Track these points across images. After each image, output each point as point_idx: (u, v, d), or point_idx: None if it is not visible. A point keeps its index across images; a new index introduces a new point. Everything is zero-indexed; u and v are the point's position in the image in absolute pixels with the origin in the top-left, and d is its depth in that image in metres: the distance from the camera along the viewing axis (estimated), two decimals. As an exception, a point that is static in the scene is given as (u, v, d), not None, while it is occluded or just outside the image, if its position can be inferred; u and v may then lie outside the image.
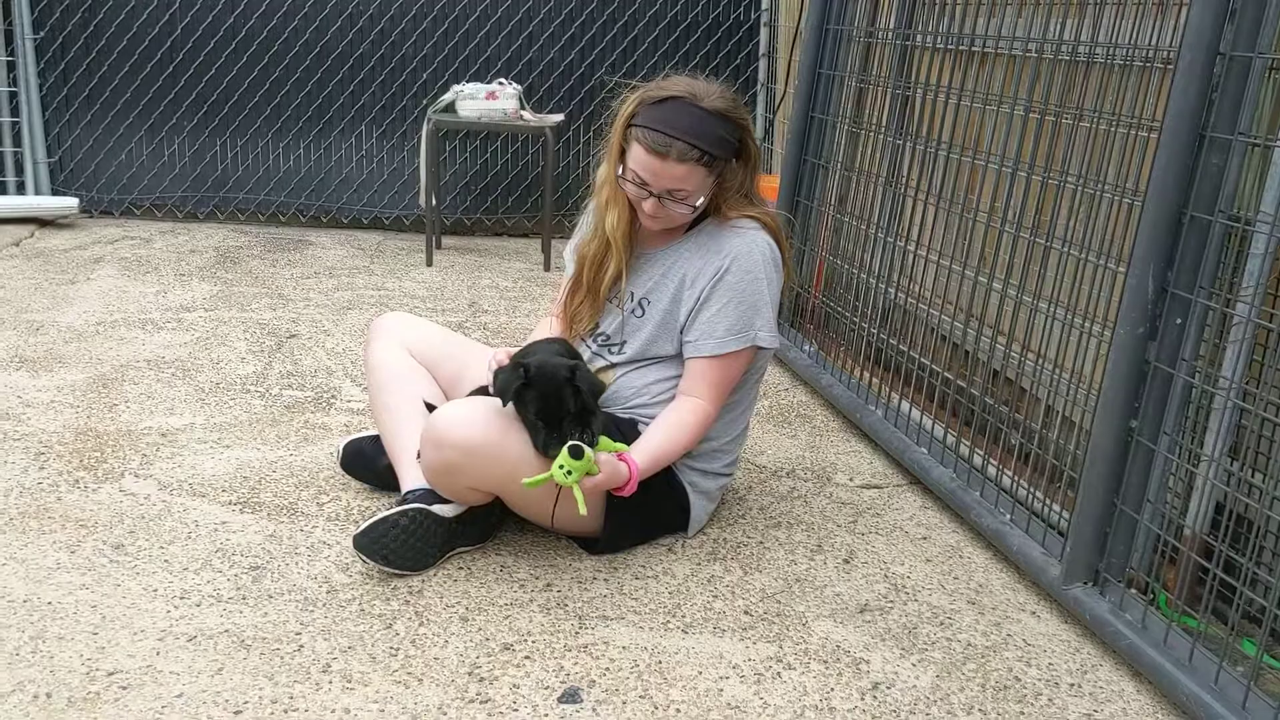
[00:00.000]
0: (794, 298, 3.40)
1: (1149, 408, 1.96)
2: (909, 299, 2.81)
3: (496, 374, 1.90)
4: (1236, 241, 1.84)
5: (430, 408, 2.18)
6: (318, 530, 2.18)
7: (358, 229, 4.81)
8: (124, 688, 1.71)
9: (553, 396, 1.86)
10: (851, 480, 2.60)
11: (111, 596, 1.94)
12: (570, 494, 1.93)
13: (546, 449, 1.86)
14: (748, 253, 2.03)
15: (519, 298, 3.95)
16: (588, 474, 1.87)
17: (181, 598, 1.96)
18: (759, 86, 5.04)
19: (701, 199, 2.01)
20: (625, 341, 2.15)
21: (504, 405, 1.85)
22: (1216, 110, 1.82)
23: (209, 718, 1.66)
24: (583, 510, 1.83)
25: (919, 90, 2.84)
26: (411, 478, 2.11)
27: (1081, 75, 2.25)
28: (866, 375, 2.97)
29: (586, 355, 2.15)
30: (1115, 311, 2.00)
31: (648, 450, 2.02)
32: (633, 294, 2.13)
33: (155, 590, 1.97)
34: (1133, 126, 2.13)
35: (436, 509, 2.05)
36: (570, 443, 1.82)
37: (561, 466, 1.83)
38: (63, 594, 1.94)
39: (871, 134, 2.98)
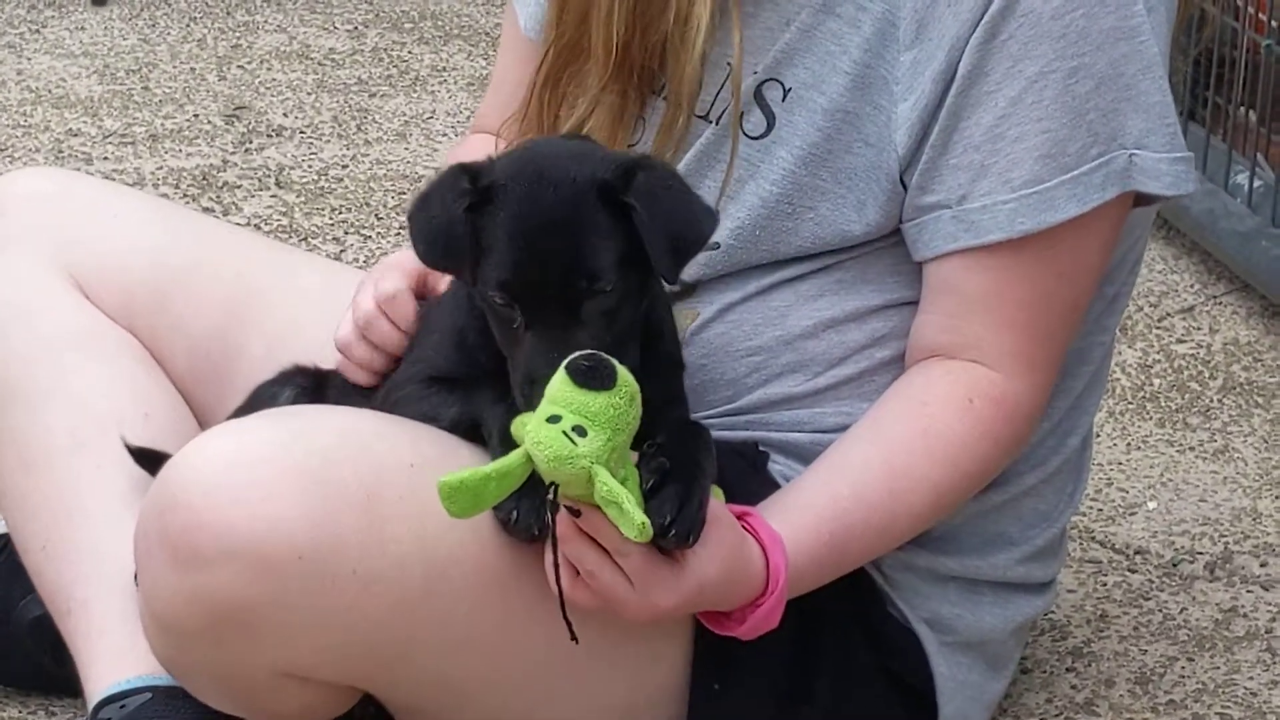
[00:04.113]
0: (1200, 55, 1.99)
1: None
2: None
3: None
4: None
5: (149, 455, 1.14)
6: None
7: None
8: None
9: (552, 234, 0.95)
10: None
11: None
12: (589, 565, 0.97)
13: (529, 378, 0.95)
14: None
15: (378, 82, 2.45)
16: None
17: None
18: None
19: None
20: (720, 209, 1.12)
21: (440, 274, 1.06)
22: None
23: None
24: (635, 526, 0.89)
25: None
26: (114, 653, 1.15)
27: None
28: None
29: None
30: None
31: (820, 509, 1.06)
32: (751, 71, 1.14)
33: None
34: None
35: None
36: (575, 357, 0.93)
37: (554, 419, 0.90)
38: None
39: None
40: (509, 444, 0.95)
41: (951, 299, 1.05)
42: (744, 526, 1.00)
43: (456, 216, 0.92)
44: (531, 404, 0.92)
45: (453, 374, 1.03)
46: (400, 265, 1.12)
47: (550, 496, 0.91)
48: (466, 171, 0.95)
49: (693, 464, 0.95)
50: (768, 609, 0.98)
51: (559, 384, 0.91)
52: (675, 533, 0.92)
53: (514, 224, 0.92)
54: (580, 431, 0.89)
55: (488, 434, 0.99)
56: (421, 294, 1.11)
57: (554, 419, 0.89)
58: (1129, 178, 1.02)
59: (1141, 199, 1.06)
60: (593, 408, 0.90)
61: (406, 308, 1.09)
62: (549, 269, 0.91)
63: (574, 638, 0.96)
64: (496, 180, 0.93)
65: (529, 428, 0.90)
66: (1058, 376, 1.14)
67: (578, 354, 0.91)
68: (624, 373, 0.90)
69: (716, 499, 0.99)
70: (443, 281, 1.10)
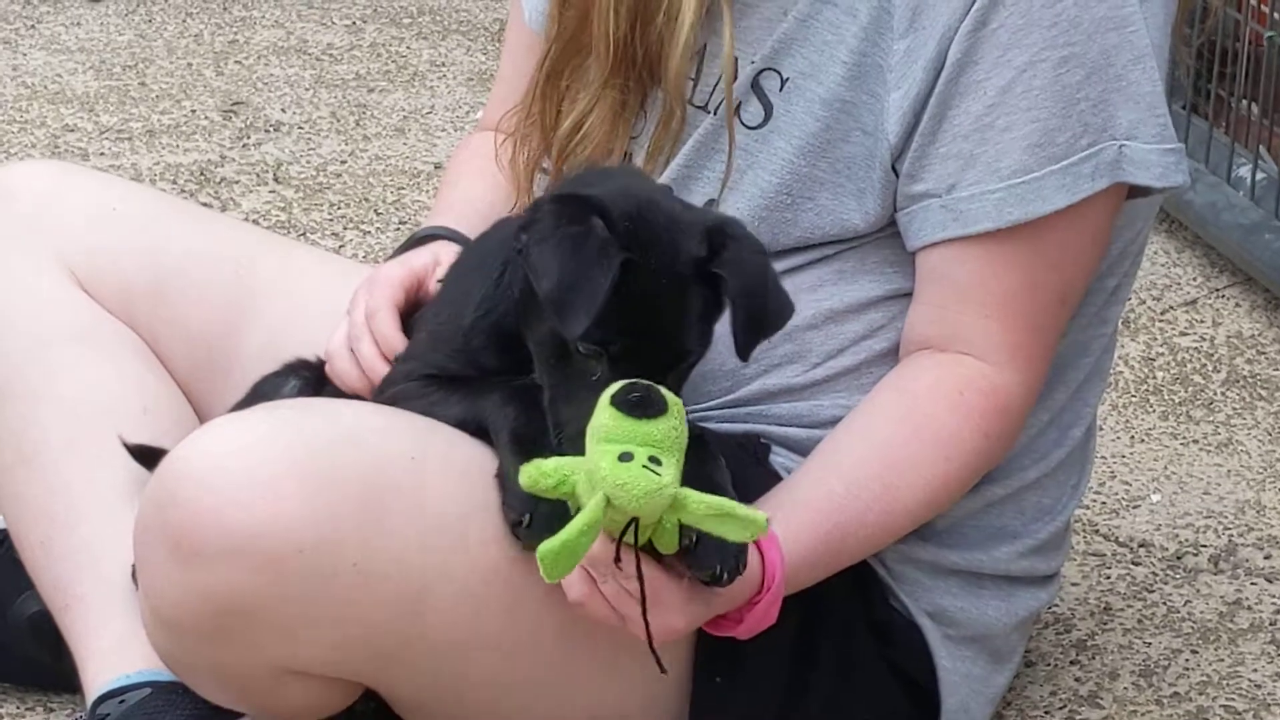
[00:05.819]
0: (1203, 47, 1.97)
1: None
2: None
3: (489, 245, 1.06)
4: None
5: (147, 452, 1.14)
6: None
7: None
8: None
9: (661, 310, 0.96)
10: None
11: None
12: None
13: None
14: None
15: (376, 77, 2.45)
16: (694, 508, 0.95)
17: None
18: None
19: None
20: (717, 202, 1.14)
21: (574, 331, 0.95)
22: None
23: None
24: (758, 524, 0.91)
25: None
26: (113, 648, 1.14)
27: None
28: None
29: None
30: None
31: (815, 505, 1.06)
32: (749, 61, 1.15)
33: None
34: None
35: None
36: (619, 390, 0.92)
37: (625, 457, 0.90)
38: None
39: None
40: (525, 447, 0.94)
41: (941, 289, 1.03)
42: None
43: (609, 270, 0.92)
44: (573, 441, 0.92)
45: (451, 373, 1.01)
46: (390, 280, 1.12)
47: (630, 538, 0.90)
48: (599, 214, 0.93)
49: (718, 493, 0.95)
50: (764, 607, 0.96)
51: (614, 420, 0.90)
52: (726, 576, 0.93)
53: (628, 290, 0.94)
54: (655, 461, 0.90)
55: (496, 436, 0.98)
56: (407, 310, 1.10)
57: (625, 457, 0.89)
58: (1119, 169, 1.00)
59: (1135, 191, 1.03)
60: (657, 436, 0.90)
61: (386, 326, 1.08)
62: (652, 340, 0.94)
63: (663, 669, 0.95)
64: (619, 219, 0.93)
65: (604, 473, 0.89)
66: (1058, 369, 1.11)
67: (618, 386, 0.90)
68: (667, 393, 0.91)
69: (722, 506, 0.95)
70: (434, 287, 1.09)
